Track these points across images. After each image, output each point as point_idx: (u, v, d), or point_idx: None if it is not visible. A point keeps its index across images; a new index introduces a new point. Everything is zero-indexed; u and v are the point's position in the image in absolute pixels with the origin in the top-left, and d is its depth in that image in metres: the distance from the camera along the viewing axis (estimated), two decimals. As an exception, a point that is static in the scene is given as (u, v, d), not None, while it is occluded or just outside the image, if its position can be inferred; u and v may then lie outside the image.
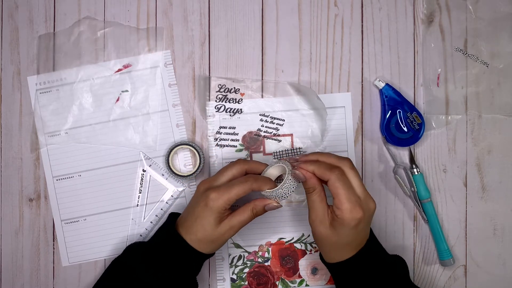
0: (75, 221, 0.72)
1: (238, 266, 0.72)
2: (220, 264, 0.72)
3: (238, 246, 0.72)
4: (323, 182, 0.60)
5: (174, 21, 0.72)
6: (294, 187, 0.61)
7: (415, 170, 0.71)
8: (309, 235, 0.72)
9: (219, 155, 0.72)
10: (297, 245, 0.72)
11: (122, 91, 0.72)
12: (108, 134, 0.72)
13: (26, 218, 0.72)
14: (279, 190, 0.60)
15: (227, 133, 0.72)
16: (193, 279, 0.64)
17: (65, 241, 0.72)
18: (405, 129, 0.71)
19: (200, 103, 0.72)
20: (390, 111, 0.71)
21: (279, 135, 0.72)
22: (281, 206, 0.62)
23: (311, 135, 0.72)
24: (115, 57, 0.72)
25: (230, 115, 0.72)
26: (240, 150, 0.72)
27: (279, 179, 0.64)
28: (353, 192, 0.58)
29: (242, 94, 0.72)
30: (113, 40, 0.72)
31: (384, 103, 0.71)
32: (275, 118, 0.72)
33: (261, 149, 0.72)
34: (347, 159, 0.60)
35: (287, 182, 0.60)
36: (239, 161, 0.64)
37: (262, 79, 0.72)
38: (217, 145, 0.72)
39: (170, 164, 0.70)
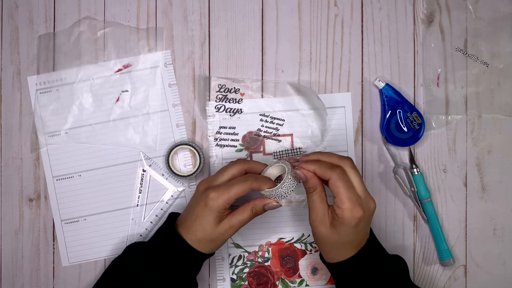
0: (75, 221, 0.72)
1: (238, 266, 0.72)
2: (220, 264, 0.72)
3: (238, 246, 0.72)
4: (324, 181, 0.60)
5: (174, 21, 0.72)
6: (294, 187, 0.61)
7: (415, 170, 0.71)
8: (309, 235, 0.72)
9: (219, 155, 0.72)
10: (297, 245, 0.72)
11: (122, 91, 0.72)
12: (108, 134, 0.72)
13: (26, 218, 0.72)
14: (279, 190, 0.60)
15: (227, 133, 0.72)
16: (193, 279, 0.64)
17: (65, 241, 0.72)
18: (405, 129, 0.71)
19: (200, 103, 0.72)
20: (390, 111, 0.71)
21: (279, 135, 0.72)
22: (281, 205, 0.62)
23: (311, 135, 0.72)
24: (115, 57, 0.72)
25: (230, 115, 0.72)
26: (240, 150, 0.72)
27: (279, 179, 0.64)
28: (354, 191, 0.58)
29: (242, 94, 0.72)
30: (113, 40, 0.72)
31: (384, 103, 0.71)
32: (275, 118, 0.72)
33: (261, 149, 0.72)
34: (348, 158, 0.60)
35: (287, 181, 0.60)
36: (239, 160, 0.64)
37: (262, 79, 0.72)
38: (217, 145, 0.72)
39: (170, 164, 0.70)
